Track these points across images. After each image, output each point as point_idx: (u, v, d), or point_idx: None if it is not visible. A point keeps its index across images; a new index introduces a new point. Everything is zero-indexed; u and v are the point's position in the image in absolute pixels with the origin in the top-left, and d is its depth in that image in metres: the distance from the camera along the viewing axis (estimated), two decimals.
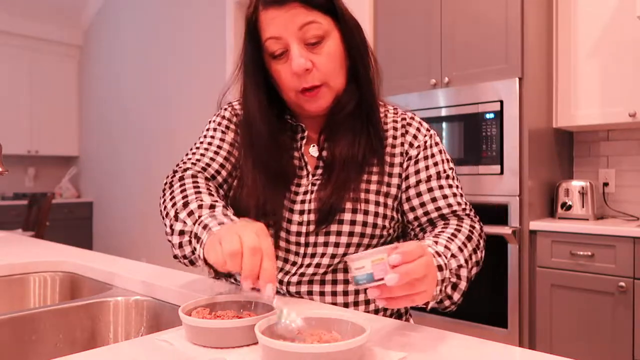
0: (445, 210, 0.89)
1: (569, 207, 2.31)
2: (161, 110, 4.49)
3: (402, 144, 0.93)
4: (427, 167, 0.92)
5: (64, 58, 5.62)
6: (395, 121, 0.96)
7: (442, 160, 0.94)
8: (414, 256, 0.61)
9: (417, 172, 0.91)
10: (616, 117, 2.26)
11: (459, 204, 0.90)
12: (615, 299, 1.98)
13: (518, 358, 0.61)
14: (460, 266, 0.77)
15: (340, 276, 0.88)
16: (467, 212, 0.91)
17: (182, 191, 0.83)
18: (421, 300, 0.65)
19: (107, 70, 5.28)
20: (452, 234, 0.82)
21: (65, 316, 0.92)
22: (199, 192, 0.81)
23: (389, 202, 0.91)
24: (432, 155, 0.93)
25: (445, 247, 0.77)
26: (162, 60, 4.47)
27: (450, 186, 0.92)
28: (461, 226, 0.86)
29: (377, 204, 0.89)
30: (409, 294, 0.62)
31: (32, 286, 1.21)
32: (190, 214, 0.77)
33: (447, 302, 0.77)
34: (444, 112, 2.45)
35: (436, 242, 0.77)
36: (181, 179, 0.86)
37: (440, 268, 0.70)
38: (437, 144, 0.95)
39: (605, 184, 2.53)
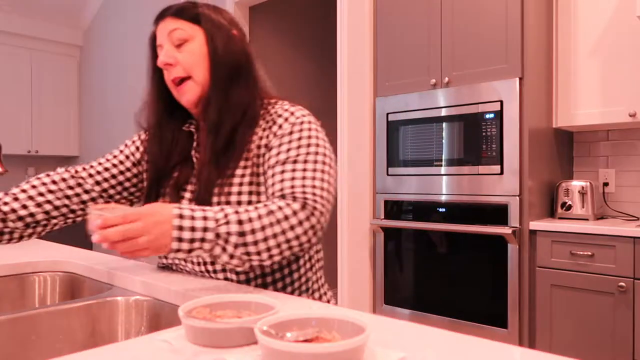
0: (287, 191, 0.92)
1: (569, 207, 2.31)
2: None
3: (268, 136, 1.01)
4: (288, 150, 0.97)
5: (64, 58, 5.62)
6: (270, 114, 1.04)
7: (304, 146, 0.97)
8: (112, 222, 0.78)
9: (278, 154, 0.98)
10: (616, 117, 2.26)
11: (303, 186, 0.92)
12: (615, 299, 1.98)
13: (518, 358, 0.61)
14: (229, 233, 0.83)
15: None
16: (306, 196, 0.91)
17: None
18: (142, 255, 0.80)
19: (107, 70, 5.28)
20: (255, 207, 0.87)
21: (65, 316, 0.92)
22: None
23: (261, 189, 1.00)
24: (291, 142, 0.98)
25: (226, 215, 0.84)
26: None
27: (304, 170, 0.94)
28: (275, 204, 0.88)
29: (250, 193, 0.99)
30: (130, 249, 0.79)
31: (32, 286, 1.21)
32: None
33: (219, 260, 0.86)
34: (444, 112, 2.45)
35: (221, 210, 0.85)
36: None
37: (181, 228, 0.81)
38: (301, 130, 0.99)
39: (605, 184, 2.53)
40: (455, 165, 2.41)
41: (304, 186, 0.92)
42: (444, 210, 2.46)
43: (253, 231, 0.84)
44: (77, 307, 0.94)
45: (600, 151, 2.57)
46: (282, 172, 0.95)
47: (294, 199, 0.90)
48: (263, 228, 0.85)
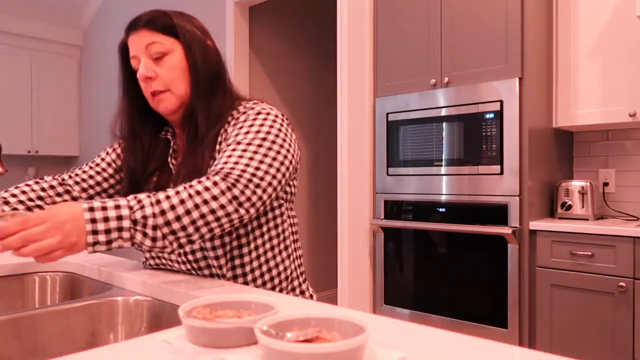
0: (217, 168, 0.91)
1: (569, 207, 2.31)
2: None
3: (227, 130, 1.02)
4: (236, 135, 0.98)
5: (64, 58, 5.62)
6: (238, 112, 1.05)
7: (252, 132, 0.97)
8: (10, 231, 0.77)
9: (228, 142, 0.98)
10: (616, 117, 2.26)
11: (235, 163, 0.91)
12: (615, 299, 1.99)
13: (518, 358, 0.61)
14: (145, 217, 0.83)
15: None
16: (233, 172, 0.89)
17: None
18: (56, 256, 0.79)
19: (107, 70, 5.29)
20: (176, 190, 0.87)
21: (65, 316, 0.93)
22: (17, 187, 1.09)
23: None
24: (241, 128, 0.99)
25: (139, 200, 0.84)
26: None
27: (243, 151, 0.93)
28: (200, 182, 0.88)
29: None
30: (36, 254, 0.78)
31: (32, 286, 1.21)
32: None
33: (144, 247, 0.85)
34: (444, 112, 2.45)
35: (134, 198, 0.85)
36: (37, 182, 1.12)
37: (94, 221, 0.81)
38: (255, 119, 1.00)
39: (605, 184, 2.53)
40: (455, 165, 2.41)
41: (236, 163, 0.91)
42: (444, 210, 2.46)
43: (173, 207, 0.84)
44: (77, 307, 0.94)
45: (600, 151, 2.57)
46: (224, 153, 0.94)
47: (217, 173, 0.89)
48: (182, 202, 0.84)
